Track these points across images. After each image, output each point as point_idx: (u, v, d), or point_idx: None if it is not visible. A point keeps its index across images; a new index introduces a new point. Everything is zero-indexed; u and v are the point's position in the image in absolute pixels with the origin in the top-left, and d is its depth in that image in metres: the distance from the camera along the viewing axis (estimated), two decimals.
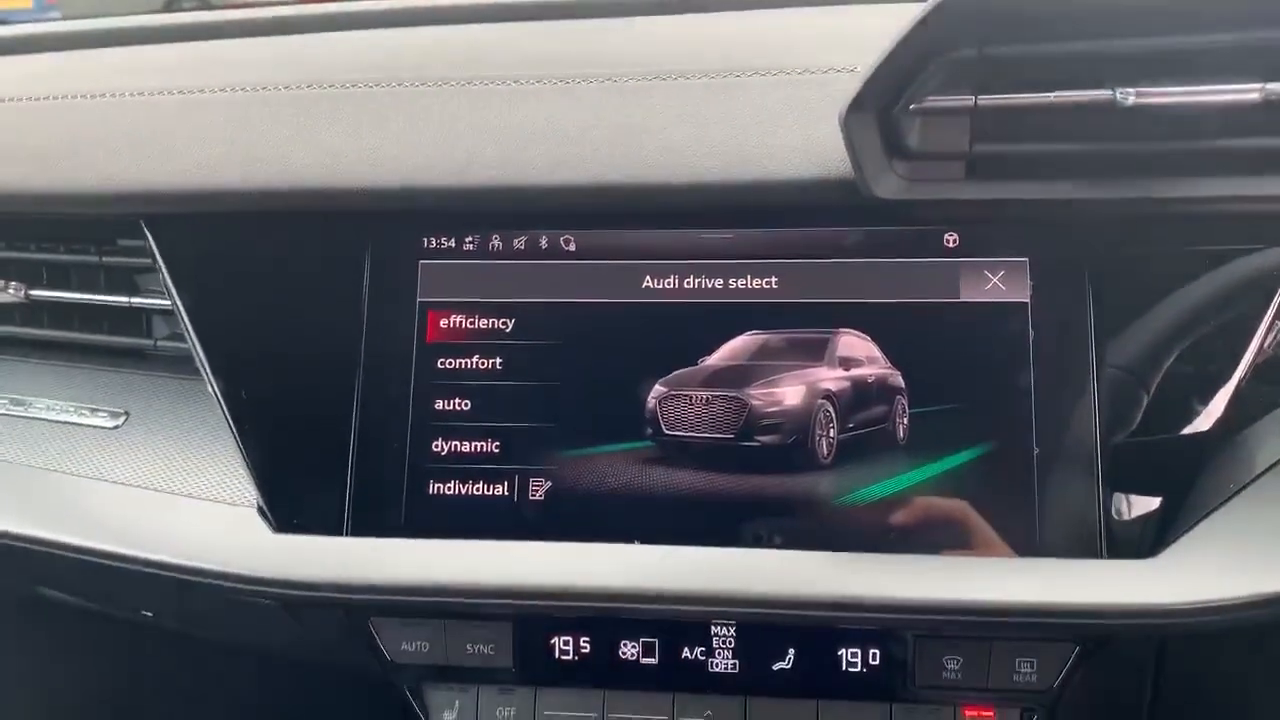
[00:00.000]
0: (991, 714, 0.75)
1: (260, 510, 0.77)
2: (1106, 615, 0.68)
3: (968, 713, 0.75)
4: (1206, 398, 0.71)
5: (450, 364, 0.77)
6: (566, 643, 0.77)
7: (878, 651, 0.74)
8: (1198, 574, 0.67)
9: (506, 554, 0.73)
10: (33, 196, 0.82)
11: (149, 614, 0.93)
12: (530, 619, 0.76)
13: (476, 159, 0.74)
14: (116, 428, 0.84)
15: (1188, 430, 0.71)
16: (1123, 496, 0.71)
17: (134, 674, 1.16)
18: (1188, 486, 0.71)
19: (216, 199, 0.78)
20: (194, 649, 1.12)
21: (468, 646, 0.77)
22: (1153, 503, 0.71)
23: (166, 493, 0.79)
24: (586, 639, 0.76)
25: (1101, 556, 0.69)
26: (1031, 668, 0.72)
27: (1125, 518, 0.71)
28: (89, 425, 0.84)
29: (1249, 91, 0.64)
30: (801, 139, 0.71)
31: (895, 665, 0.74)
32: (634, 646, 0.76)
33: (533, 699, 0.78)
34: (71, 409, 0.85)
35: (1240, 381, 0.70)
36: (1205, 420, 0.71)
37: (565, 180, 0.73)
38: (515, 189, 0.74)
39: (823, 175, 0.70)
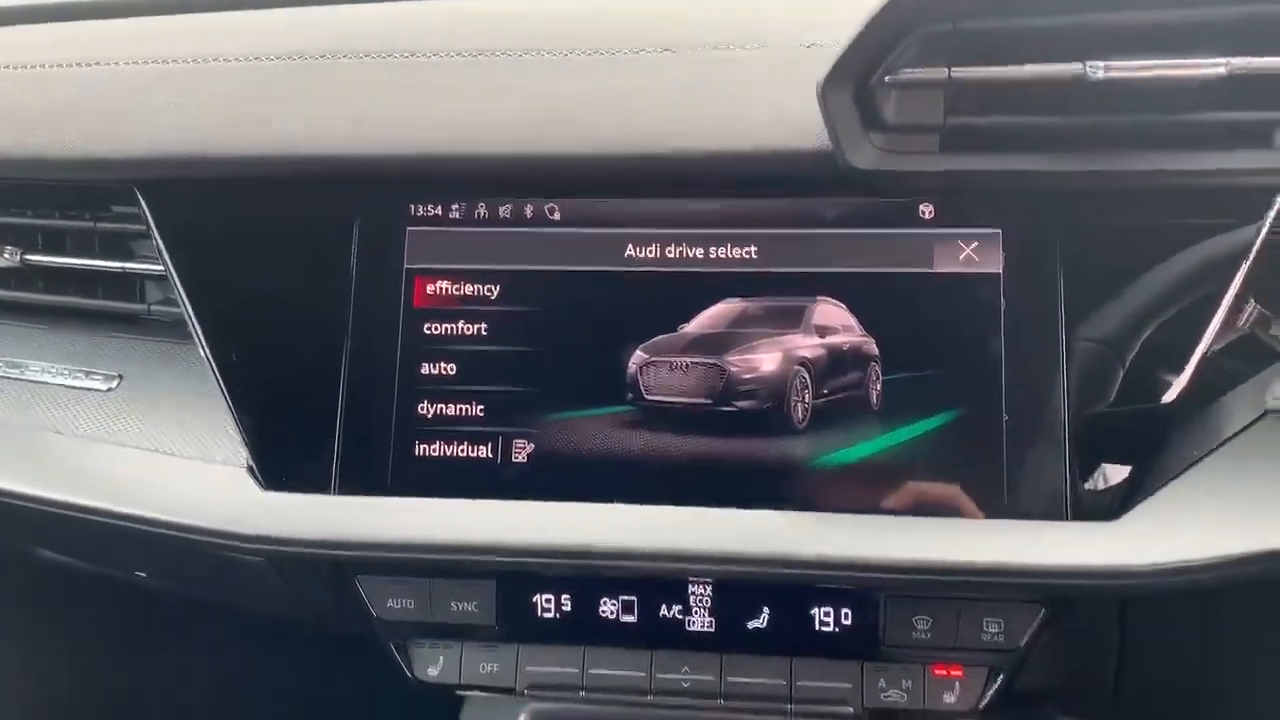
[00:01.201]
0: (960, 673, 0.77)
1: (250, 470, 0.79)
2: (1069, 575, 0.70)
3: (936, 671, 0.77)
4: (1176, 371, 0.73)
5: (436, 329, 0.79)
6: (548, 601, 0.79)
7: (849, 611, 0.76)
8: (1159, 536, 0.69)
9: (490, 512, 0.75)
10: (28, 162, 0.83)
11: (143, 574, 0.95)
12: (512, 577, 0.79)
13: (463, 128, 0.76)
14: (110, 390, 0.86)
15: (1156, 402, 0.73)
16: (1090, 464, 0.73)
17: (130, 641, 1.19)
18: (1153, 456, 0.73)
19: (208, 165, 0.79)
20: (184, 611, 1.15)
21: (452, 604, 0.79)
22: (1119, 470, 0.73)
23: (159, 453, 0.81)
24: (567, 597, 0.79)
25: (1067, 520, 0.71)
26: (999, 628, 0.75)
27: (1091, 484, 0.73)
28: (83, 388, 0.86)
29: (1214, 66, 0.66)
30: (781, 111, 0.73)
31: (866, 625, 0.76)
32: (613, 605, 0.78)
33: (515, 655, 0.80)
34: (66, 372, 0.87)
35: (1205, 356, 0.72)
36: (1173, 393, 0.72)
37: (550, 150, 0.75)
38: (501, 158, 0.76)
39: (801, 146, 0.72)
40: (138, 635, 1.16)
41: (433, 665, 0.81)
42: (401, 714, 1.00)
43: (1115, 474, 0.73)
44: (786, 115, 0.72)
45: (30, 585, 1.07)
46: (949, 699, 0.77)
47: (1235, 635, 0.87)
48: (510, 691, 0.81)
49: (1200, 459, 0.72)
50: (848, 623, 0.76)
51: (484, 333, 0.78)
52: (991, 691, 0.77)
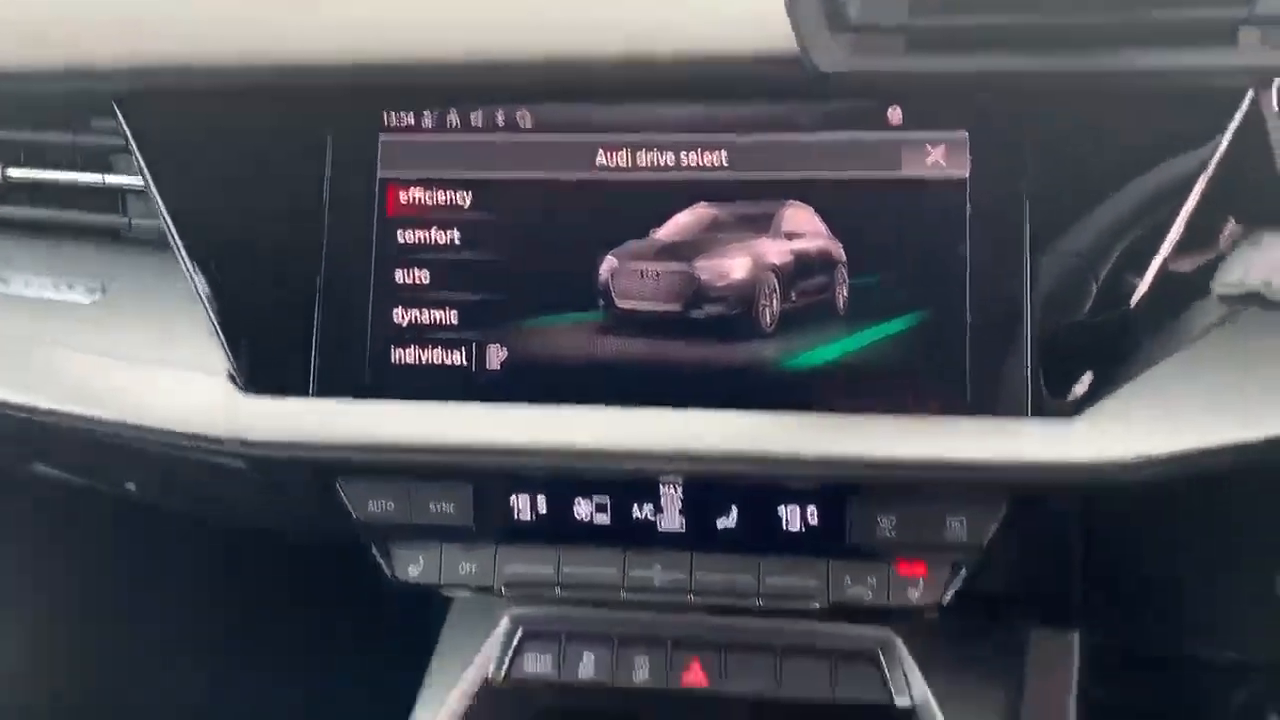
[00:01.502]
0: (924, 571, 0.79)
1: (231, 377, 0.80)
2: (1029, 470, 0.72)
3: (901, 568, 0.79)
4: (1144, 279, 0.74)
5: (409, 238, 0.80)
6: (524, 503, 0.81)
7: (816, 510, 0.78)
8: (1119, 432, 0.71)
9: (466, 414, 0.77)
10: (2, 76, 0.84)
11: (132, 486, 0.98)
12: (489, 480, 0.81)
13: (434, 32, 0.76)
14: (93, 302, 0.87)
15: (1122, 308, 0.74)
16: (1053, 364, 0.74)
17: (121, 559, 1.22)
18: (1117, 357, 0.74)
19: (183, 75, 0.80)
20: (177, 530, 1.18)
21: (430, 506, 0.81)
22: (1082, 371, 0.74)
23: (142, 361, 0.83)
24: (542, 499, 0.81)
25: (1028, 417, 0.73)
26: (961, 525, 0.76)
27: (1054, 383, 0.74)
28: (66, 300, 0.88)
29: None
30: (749, 12, 0.72)
31: (832, 523, 0.78)
32: (587, 506, 0.81)
33: (493, 555, 0.83)
34: (49, 285, 0.89)
35: (1166, 263, 0.72)
36: (1136, 296, 0.73)
37: (520, 53, 0.75)
38: (472, 63, 0.76)
39: (767, 49, 0.72)
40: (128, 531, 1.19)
41: (413, 565, 0.84)
42: (395, 617, 1.03)
43: (1078, 374, 0.74)
44: (752, 18, 0.72)
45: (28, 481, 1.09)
46: (913, 594, 0.79)
47: (1200, 537, 0.89)
48: (489, 590, 0.83)
49: (1162, 357, 0.73)
50: (814, 521, 0.78)
51: (456, 241, 0.79)
52: (954, 588, 0.79)
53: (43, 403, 0.84)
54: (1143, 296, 0.73)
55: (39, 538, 1.17)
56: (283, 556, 1.16)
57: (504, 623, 0.92)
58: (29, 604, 1.16)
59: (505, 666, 0.91)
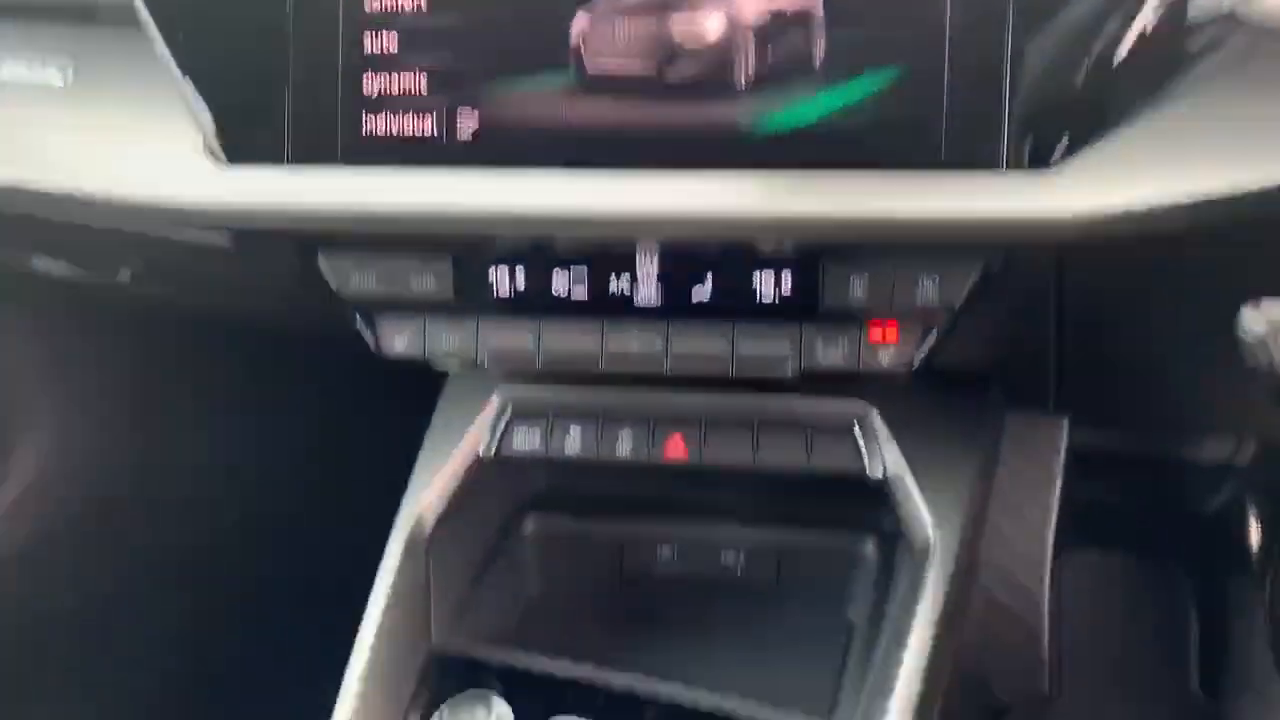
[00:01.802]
0: (895, 336, 0.80)
1: (208, 149, 0.80)
2: (1004, 226, 0.71)
3: (873, 332, 0.81)
4: (1127, 37, 0.71)
5: (376, 4, 0.78)
6: (503, 275, 0.82)
7: (789, 274, 0.79)
8: (1098, 185, 0.70)
9: (440, 180, 0.77)
10: None
11: (126, 276, 1.00)
12: (468, 252, 0.82)
13: None
14: (67, 84, 0.87)
15: (1104, 66, 0.71)
16: (1031, 122, 0.72)
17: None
18: (1098, 116, 0.73)
19: None
20: (185, 327, 1.21)
21: (411, 279, 0.83)
22: (1061, 129, 0.73)
23: (121, 140, 0.83)
24: (521, 270, 0.82)
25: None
26: (934, 284, 0.77)
27: (1032, 141, 0.72)
28: (38, 84, 0.87)
29: None
30: None
31: (804, 288, 0.79)
32: (565, 279, 0.82)
33: (475, 328, 0.85)
34: (22, 67, 0.88)
35: (1150, 22, 0.70)
36: (1122, 57, 0.71)
37: None
38: None
39: None
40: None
41: (399, 338, 0.86)
42: (393, 400, 1.07)
43: (1058, 131, 0.73)
44: None
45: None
46: (884, 358, 0.80)
47: (1180, 312, 0.90)
48: (473, 363, 0.86)
49: (1143, 112, 0.71)
50: (787, 287, 0.79)
51: (423, 6, 0.77)
52: (925, 350, 0.80)
53: (30, 182, 0.84)
54: (1126, 54, 0.71)
55: (55, 340, 1.20)
56: (282, 343, 1.20)
57: (494, 401, 0.95)
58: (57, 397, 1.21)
59: (496, 442, 0.95)
